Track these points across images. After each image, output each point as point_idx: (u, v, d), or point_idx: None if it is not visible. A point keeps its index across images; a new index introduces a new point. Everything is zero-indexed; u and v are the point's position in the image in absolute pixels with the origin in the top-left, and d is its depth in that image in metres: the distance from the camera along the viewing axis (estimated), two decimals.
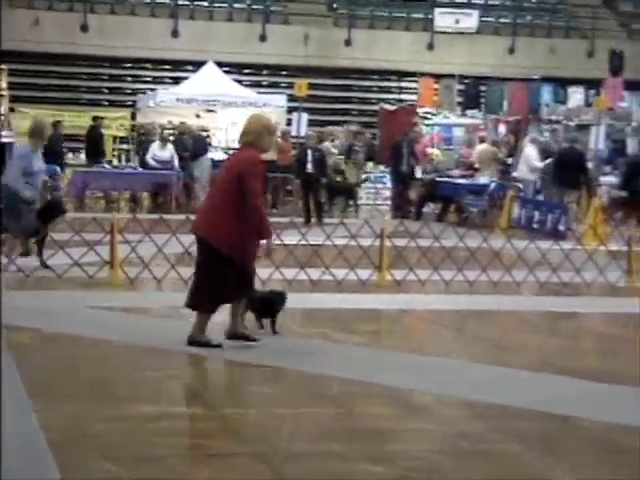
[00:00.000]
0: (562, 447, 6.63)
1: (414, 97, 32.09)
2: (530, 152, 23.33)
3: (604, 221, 18.60)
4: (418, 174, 23.88)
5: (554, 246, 14.45)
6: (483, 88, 31.84)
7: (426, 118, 29.74)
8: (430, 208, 23.87)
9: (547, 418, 7.24)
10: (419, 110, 29.98)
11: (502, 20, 34.58)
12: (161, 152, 23.93)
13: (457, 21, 32.94)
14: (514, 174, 23.55)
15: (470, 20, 33.13)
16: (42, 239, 13.41)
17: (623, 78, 29.43)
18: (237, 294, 9.03)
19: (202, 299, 8.95)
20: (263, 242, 9.03)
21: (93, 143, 25.37)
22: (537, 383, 8.30)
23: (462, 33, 33.13)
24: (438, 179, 23.56)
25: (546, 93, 30.06)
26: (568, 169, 21.27)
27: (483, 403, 7.58)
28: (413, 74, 32.53)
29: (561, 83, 30.56)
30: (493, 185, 22.68)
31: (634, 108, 29.41)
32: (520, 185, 23.13)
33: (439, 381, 8.19)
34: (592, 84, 30.21)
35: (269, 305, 9.74)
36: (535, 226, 20.31)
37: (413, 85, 32.69)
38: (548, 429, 7.01)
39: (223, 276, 8.82)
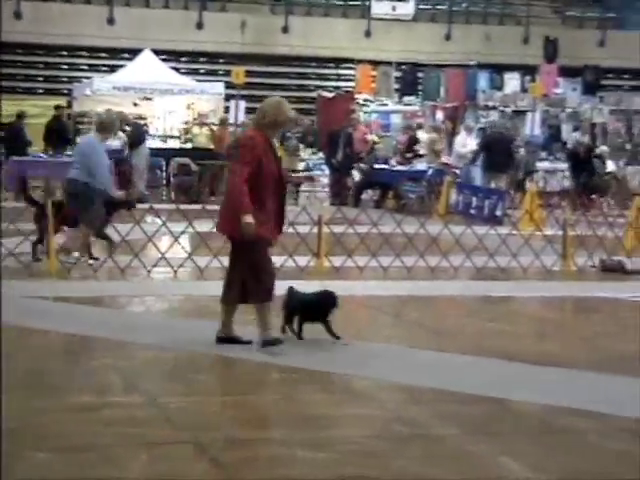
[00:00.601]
0: (499, 429, 6.70)
1: (352, 84, 32.12)
2: (459, 138, 23.53)
3: (540, 206, 18.79)
4: (357, 162, 23.96)
5: (491, 231, 14.57)
6: (420, 75, 31.97)
7: (364, 105, 29.81)
8: (368, 195, 23.95)
9: (484, 401, 7.30)
10: (357, 97, 30.04)
11: (438, 7, 34.71)
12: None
13: (394, 8, 33.01)
14: (445, 160, 23.73)
15: (407, 7, 33.21)
16: None
17: (558, 64, 29.77)
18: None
19: (255, 290, 8.53)
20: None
21: (58, 132, 25.07)
22: (474, 367, 8.36)
23: (399, 20, 33.20)
24: (376, 166, 23.64)
25: (482, 79, 30.31)
26: (496, 154, 21.54)
27: (421, 388, 7.63)
28: (351, 61, 32.56)
29: (497, 69, 30.80)
30: (431, 171, 22.81)
31: (568, 94, 29.75)
32: (457, 171, 23.30)
33: (378, 366, 8.23)
34: (527, 70, 30.50)
35: (316, 308, 8.95)
36: (472, 212, 20.46)
37: (351, 72, 32.72)
38: (485, 412, 7.08)
39: (258, 263, 8.50)
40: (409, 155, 24.40)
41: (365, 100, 30.16)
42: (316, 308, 8.93)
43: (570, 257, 14.20)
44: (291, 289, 9.09)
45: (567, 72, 30.37)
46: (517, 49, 32.51)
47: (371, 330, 10.25)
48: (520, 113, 27.96)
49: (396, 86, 31.55)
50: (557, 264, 14.06)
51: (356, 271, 13.11)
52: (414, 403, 7.25)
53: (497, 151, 21.66)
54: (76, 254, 13.24)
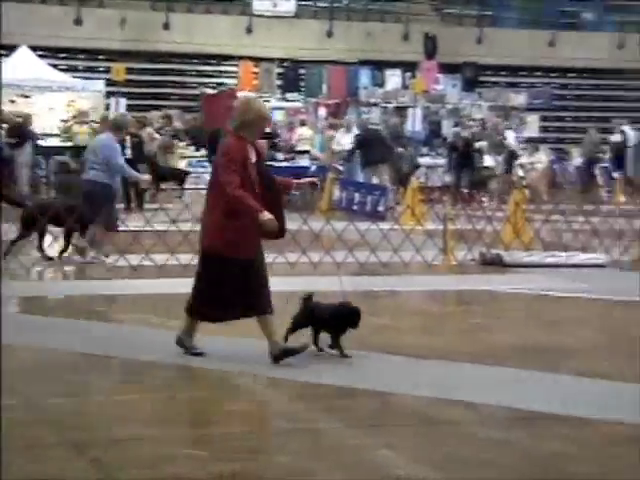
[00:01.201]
0: (380, 422, 6.76)
1: (234, 81, 32.03)
2: (337, 135, 23.71)
3: (421, 201, 19.02)
4: None
5: (373, 227, 14.68)
6: (302, 71, 32.04)
7: None
8: None
9: (366, 395, 7.36)
10: (239, 94, 29.96)
11: (319, 4, 34.85)
12: None
13: (275, 5, 33.01)
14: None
15: (288, 4, 33.25)
16: None
17: (437, 61, 30.13)
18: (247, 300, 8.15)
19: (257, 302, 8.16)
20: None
21: None
22: (357, 361, 8.41)
23: (280, 17, 33.22)
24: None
25: (364, 76, 30.52)
26: (371, 150, 21.76)
27: (303, 383, 7.65)
28: (233, 58, 32.47)
29: (378, 66, 31.04)
30: (314, 167, 22.88)
31: (448, 90, 30.15)
32: (340, 167, 23.43)
33: (259, 363, 8.22)
34: (408, 67, 30.80)
35: (341, 321, 8.46)
36: (355, 207, 20.60)
37: (233, 69, 32.63)
38: (367, 406, 7.13)
39: (223, 281, 8.09)
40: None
41: None
42: (336, 322, 8.45)
43: (450, 251, 14.41)
44: (308, 299, 8.66)
45: (447, 69, 30.78)
46: (398, 46, 32.82)
47: (252, 327, 10.21)
48: (401, 109, 28.25)
49: (278, 83, 31.57)
50: (438, 258, 14.24)
51: None
52: (296, 398, 7.27)
53: (372, 147, 21.87)
54: (92, 253, 13.69)
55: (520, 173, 26.21)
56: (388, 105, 28.75)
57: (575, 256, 14.77)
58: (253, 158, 8.19)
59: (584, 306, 11.59)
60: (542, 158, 26.76)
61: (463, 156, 24.97)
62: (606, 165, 29.02)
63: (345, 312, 8.49)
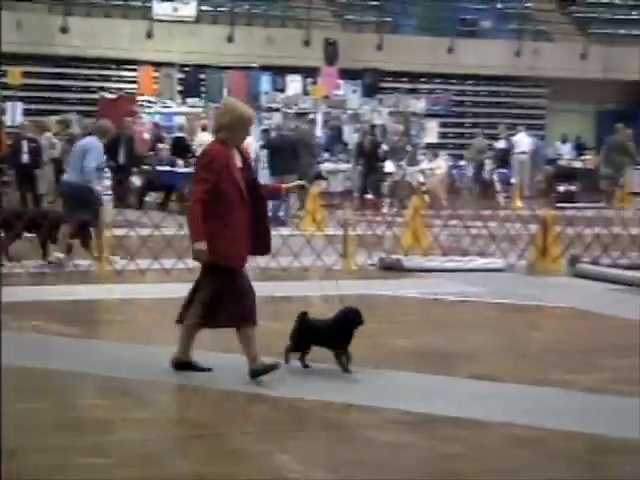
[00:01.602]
0: (278, 428, 6.78)
1: (134, 86, 31.79)
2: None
3: (322, 207, 19.10)
4: (139, 164, 23.76)
5: (273, 232, 14.65)
6: (203, 76, 31.94)
7: (147, 107, 29.57)
8: (152, 197, 23.78)
9: (265, 400, 7.37)
10: (139, 99, 29.76)
11: (220, 9, 34.76)
12: None
13: (175, 9, 32.84)
14: None
15: (188, 8, 33.10)
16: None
17: (338, 67, 30.28)
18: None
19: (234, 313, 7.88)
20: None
21: None
22: None
23: (181, 21, 33.06)
24: (160, 168, 23.49)
25: (265, 81, 30.55)
26: (280, 157, 21.70)
27: (204, 388, 7.63)
28: (133, 62, 32.21)
29: (279, 72, 31.09)
30: None
31: (349, 96, 30.34)
32: None
33: (157, 369, 8.17)
34: (309, 73, 30.91)
35: (346, 328, 8.05)
36: None
37: (133, 74, 32.37)
38: (266, 411, 7.15)
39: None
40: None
41: (148, 102, 29.90)
42: (334, 335, 8.05)
43: (350, 256, 14.49)
44: (303, 315, 8.30)
45: (347, 74, 30.96)
46: (298, 51, 32.91)
47: (151, 333, 10.16)
48: (302, 115, 28.34)
49: (179, 88, 31.42)
50: (338, 263, 14.32)
51: (138, 274, 12.99)
52: (194, 404, 7.25)
53: (280, 155, 21.80)
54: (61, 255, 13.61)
55: (420, 179, 26.48)
56: (289, 110, 28.82)
57: (473, 261, 14.99)
58: (239, 163, 7.88)
59: (481, 310, 11.77)
60: (441, 164, 27.06)
61: (371, 157, 25.17)
62: (504, 171, 29.49)
63: (347, 316, 8.09)
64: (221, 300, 7.82)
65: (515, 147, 30.38)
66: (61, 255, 13.65)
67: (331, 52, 29.77)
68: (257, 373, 7.75)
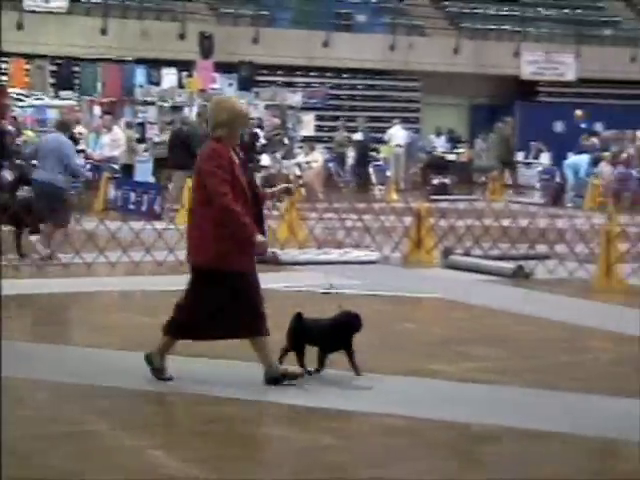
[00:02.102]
0: (154, 423, 6.76)
1: (5, 78, 31.13)
2: (111, 135, 23.44)
3: None
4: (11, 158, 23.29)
5: (148, 226, 14.60)
6: (76, 69, 31.46)
7: (19, 100, 28.99)
8: (25, 191, 23.31)
9: (140, 396, 7.33)
10: (10, 91, 29.15)
11: (93, 1, 34.31)
12: None
13: (47, 1, 32.29)
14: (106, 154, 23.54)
15: (60, 0, 32.58)
16: None
17: (214, 60, 30.16)
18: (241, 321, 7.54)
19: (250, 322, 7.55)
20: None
21: None
22: (129, 362, 8.33)
23: (53, 13, 32.51)
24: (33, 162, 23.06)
25: (140, 75, 30.22)
26: (177, 151, 21.57)
27: (76, 385, 7.55)
28: (4, 54, 31.54)
29: (154, 65, 30.81)
30: (88, 166, 22.53)
31: (225, 89, 30.21)
32: (116, 166, 23.16)
33: (30, 366, 8.06)
34: (184, 66, 30.70)
35: (343, 332, 7.79)
36: (131, 207, 20.41)
37: (4, 66, 31.71)
38: (142, 407, 7.12)
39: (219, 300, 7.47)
40: None
41: (19, 95, 29.33)
42: (334, 335, 7.79)
43: None
44: (298, 316, 8.03)
45: (223, 68, 30.84)
46: (174, 45, 32.67)
47: (25, 330, 10.01)
48: (177, 108, 28.14)
49: (51, 81, 30.89)
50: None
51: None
52: (68, 401, 7.17)
53: (175, 148, 21.69)
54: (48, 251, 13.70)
55: (297, 172, 26.57)
56: (164, 104, 28.59)
57: (348, 253, 15.12)
58: (237, 161, 7.62)
59: (355, 302, 11.84)
60: (317, 157, 27.20)
61: (249, 149, 25.18)
62: (379, 164, 29.83)
63: (346, 320, 7.80)
64: (233, 308, 7.49)
65: (390, 140, 30.77)
66: (47, 250, 13.69)
67: (206, 45, 29.63)
68: (276, 380, 7.51)
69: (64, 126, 14.92)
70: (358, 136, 30.07)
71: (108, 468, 5.74)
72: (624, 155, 26.96)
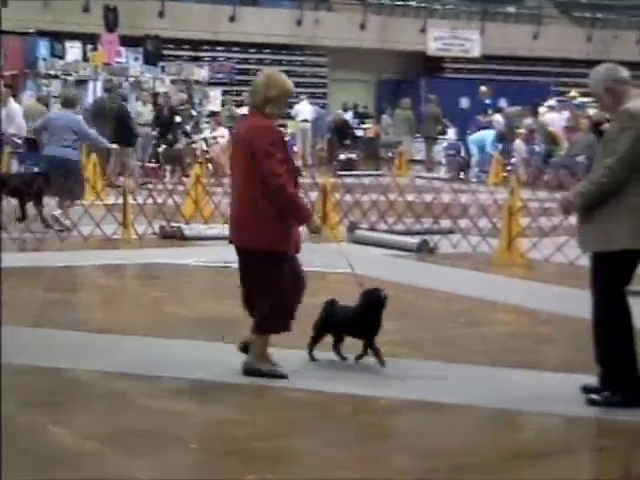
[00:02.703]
0: (52, 399, 6.68)
1: None
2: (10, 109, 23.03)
3: (102, 176, 18.87)
4: None
5: (51, 202, 14.43)
6: None
7: None
8: None
9: (37, 372, 7.24)
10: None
11: None
12: None
13: None
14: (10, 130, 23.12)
15: None
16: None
17: (119, 34, 29.78)
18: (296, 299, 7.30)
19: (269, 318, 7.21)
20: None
21: None
22: (35, 338, 8.25)
23: None
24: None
25: (43, 47, 29.74)
26: (104, 126, 21.27)
27: None
28: None
29: (58, 37, 30.33)
30: None
31: (131, 64, 29.90)
32: (18, 140, 22.77)
33: None
34: (89, 39, 30.28)
35: (373, 312, 7.38)
36: None
37: None
38: (40, 383, 7.03)
39: (279, 281, 7.14)
40: None
41: None
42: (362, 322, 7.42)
43: (130, 225, 14.36)
44: (330, 304, 7.71)
45: (129, 41, 30.49)
46: (78, 17, 32.21)
47: None
48: (82, 82, 27.78)
49: None
50: (118, 232, 14.17)
51: None
52: None
53: (104, 123, 21.42)
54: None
55: (203, 147, 26.44)
56: (68, 77, 28.18)
57: None
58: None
59: None
60: (224, 132, 27.07)
61: (167, 125, 25.07)
62: (286, 139, 29.74)
63: (371, 301, 7.43)
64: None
65: (297, 115, 30.76)
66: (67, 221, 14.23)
67: (111, 18, 29.16)
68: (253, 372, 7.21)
69: (71, 102, 15.51)
70: (244, 110, 29.88)
71: (7, 445, 5.67)
72: (522, 131, 27.35)
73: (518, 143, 26.31)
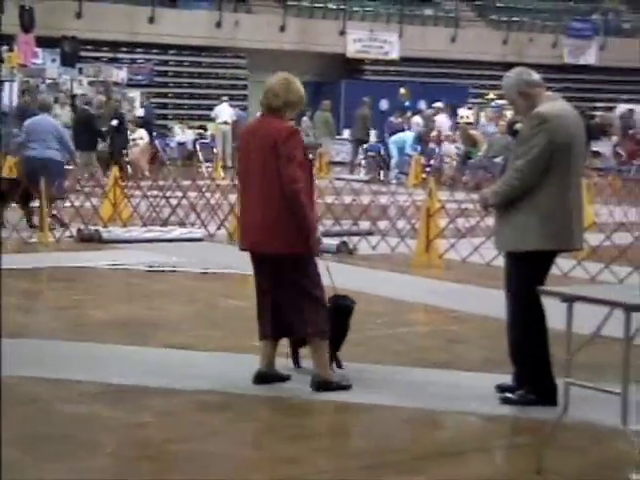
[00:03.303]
0: None
1: None
2: None
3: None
4: None
5: None
6: None
7: None
8: None
9: None
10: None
11: None
12: None
13: None
14: None
15: None
16: None
17: (35, 35, 29.42)
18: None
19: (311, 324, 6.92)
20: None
21: None
22: None
23: None
24: None
25: None
26: (80, 132, 21.15)
27: None
28: None
29: None
30: None
31: (48, 65, 29.63)
32: None
33: None
34: (5, 40, 29.85)
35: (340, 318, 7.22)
36: None
37: None
38: None
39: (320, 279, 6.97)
40: None
41: None
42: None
43: (47, 228, 14.19)
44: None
45: (45, 42, 30.14)
46: None
47: None
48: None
49: None
50: (34, 236, 14.01)
51: None
52: None
53: (80, 129, 21.25)
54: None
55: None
56: None
57: (173, 231, 15.06)
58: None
59: (180, 280, 11.85)
60: (143, 134, 26.92)
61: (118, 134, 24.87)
62: (206, 141, 29.73)
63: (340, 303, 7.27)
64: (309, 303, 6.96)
65: (217, 117, 30.70)
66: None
67: (27, 19, 28.78)
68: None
69: (46, 106, 16.17)
70: (140, 112, 29.74)
71: None
72: (434, 133, 27.64)
73: (446, 145, 26.62)
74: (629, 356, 5.17)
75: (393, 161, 27.66)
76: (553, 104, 6.82)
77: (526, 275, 6.67)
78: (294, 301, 6.90)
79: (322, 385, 6.90)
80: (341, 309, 7.27)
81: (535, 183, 6.62)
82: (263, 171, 6.84)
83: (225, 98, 31.29)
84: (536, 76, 6.91)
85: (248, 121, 32.09)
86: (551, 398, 6.58)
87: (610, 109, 35.75)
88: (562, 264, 11.80)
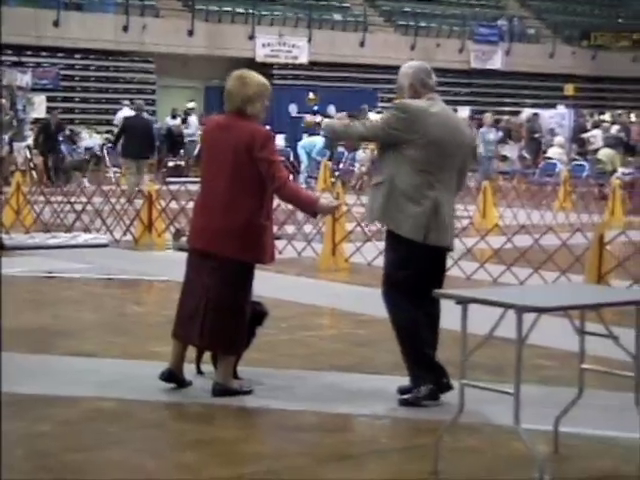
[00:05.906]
0: None
1: None
2: None
3: None
4: None
5: None
6: None
7: None
8: None
9: None
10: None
11: None
12: None
13: None
14: None
15: None
16: None
17: None
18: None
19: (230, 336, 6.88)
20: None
21: None
22: None
23: None
24: None
25: None
26: (134, 139, 20.35)
27: None
28: None
29: None
30: None
31: None
32: None
33: None
34: None
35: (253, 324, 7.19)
36: None
37: None
38: None
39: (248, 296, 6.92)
40: None
41: None
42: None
43: None
44: None
45: None
46: None
47: None
48: None
49: None
50: None
51: None
52: None
53: (134, 136, 20.40)
54: None
55: (27, 155, 25.94)
56: None
57: (78, 237, 14.91)
58: None
59: (84, 286, 11.74)
60: None
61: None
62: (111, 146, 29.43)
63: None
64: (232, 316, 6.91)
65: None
66: None
67: None
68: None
69: None
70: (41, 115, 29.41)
71: None
72: None
73: (360, 152, 26.75)
74: (521, 356, 5.25)
75: (302, 165, 27.73)
76: (430, 103, 6.85)
77: (399, 260, 6.86)
78: (220, 312, 6.80)
79: (223, 391, 6.89)
80: (257, 316, 7.24)
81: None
82: (232, 174, 6.74)
83: (126, 102, 30.95)
84: (433, 82, 6.98)
85: (156, 125, 32.01)
86: (433, 393, 6.69)
87: (516, 113, 36.31)
88: (465, 267, 12.00)
